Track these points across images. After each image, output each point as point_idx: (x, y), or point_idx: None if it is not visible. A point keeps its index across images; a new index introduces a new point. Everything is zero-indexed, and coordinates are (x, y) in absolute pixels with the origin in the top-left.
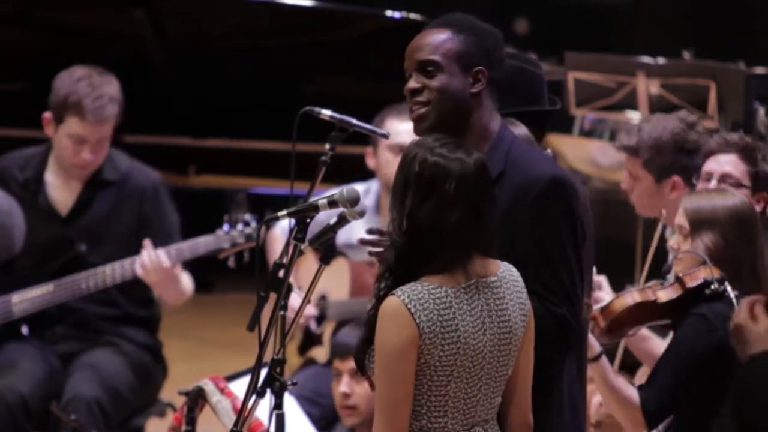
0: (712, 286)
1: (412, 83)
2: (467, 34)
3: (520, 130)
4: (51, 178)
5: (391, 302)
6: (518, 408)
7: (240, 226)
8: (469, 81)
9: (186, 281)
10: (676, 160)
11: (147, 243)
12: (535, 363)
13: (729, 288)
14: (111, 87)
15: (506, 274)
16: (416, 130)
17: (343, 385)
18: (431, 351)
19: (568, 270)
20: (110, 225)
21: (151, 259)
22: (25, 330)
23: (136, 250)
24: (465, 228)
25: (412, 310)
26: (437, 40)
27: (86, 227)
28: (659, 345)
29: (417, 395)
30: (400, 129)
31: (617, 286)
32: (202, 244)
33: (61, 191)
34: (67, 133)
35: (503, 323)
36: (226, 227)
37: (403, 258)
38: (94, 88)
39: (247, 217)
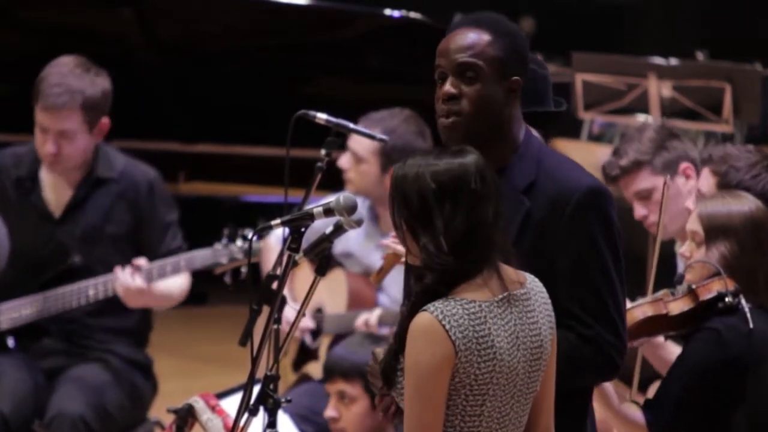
0: (726, 300)
1: (450, 87)
2: (505, 38)
3: (532, 132)
4: (45, 176)
5: (424, 319)
6: (543, 425)
7: (239, 241)
8: (504, 91)
9: (175, 286)
10: (676, 148)
11: (117, 269)
12: (574, 390)
13: (743, 301)
14: (80, 80)
15: (534, 285)
16: (444, 138)
17: (330, 409)
18: (467, 369)
19: (609, 285)
20: (105, 226)
21: (124, 284)
22: (11, 342)
23: (133, 251)
24: (497, 225)
25: (447, 327)
26: (480, 42)
27: (80, 230)
28: (675, 352)
29: (450, 416)
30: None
31: (629, 297)
32: (199, 258)
33: (54, 190)
34: (36, 121)
35: (535, 337)
36: (224, 241)
37: (448, 276)
38: (60, 77)
39: (247, 231)
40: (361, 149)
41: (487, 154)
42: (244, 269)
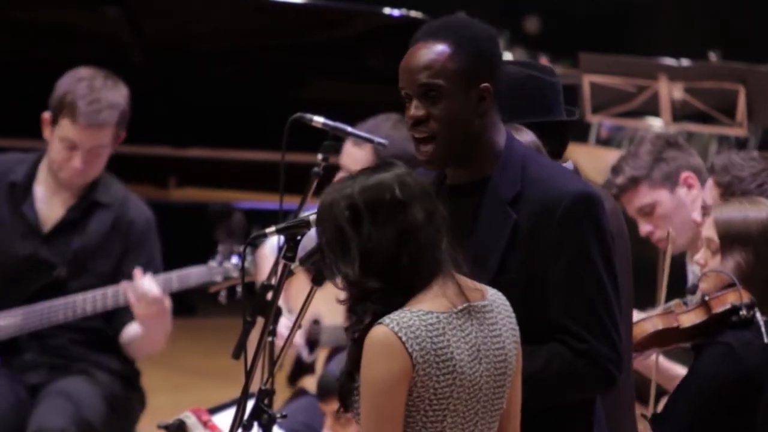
0: (741, 313)
1: (415, 111)
2: (468, 45)
3: (527, 137)
4: (40, 189)
5: (380, 332)
6: None
7: (234, 259)
8: (474, 100)
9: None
10: (675, 158)
11: (137, 271)
12: (570, 404)
13: (759, 314)
14: (114, 93)
15: (496, 297)
16: (424, 168)
17: (326, 430)
18: (425, 383)
19: (602, 296)
20: (94, 252)
21: (141, 289)
22: None
23: (116, 282)
24: (433, 227)
25: (404, 339)
26: (438, 58)
27: (71, 250)
28: (674, 368)
29: None
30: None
31: (639, 308)
32: (194, 275)
33: (48, 206)
34: (59, 136)
35: (498, 351)
36: (219, 259)
37: (391, 295)
38: (92, 91)
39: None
40: (352, 164)
41: (468, 167)
42: (239, 288)
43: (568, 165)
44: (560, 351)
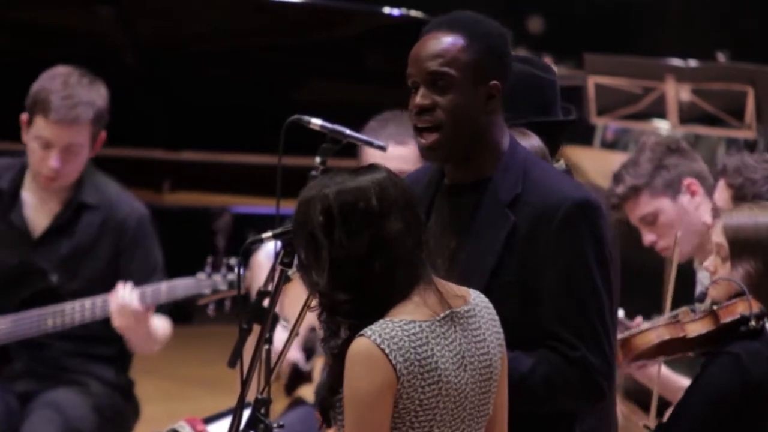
0: (750, 323)
1: (422, 99)
2: (480, 40)
3: (533, 141)
4: (27, 195)
5: (361, 344)
6: None
7: (223, 271)
8: (482, 97)
9: (160, 327)
10: (676, 165)
11: (120, 284)
12: (558, 415)
13: None
14: (89, 91)
15: (479, 301)
16: (425, 158)
17: None
18: (410, 394)
19: (597, 305)
20: (84, 256)
21: (121, 301)
22: None
23: (112, 286)
24: (410, 238)
25: (386, 351)
26: (451, 48)
27: (61, 255)
28: (677, 379)
29: None
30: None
31: (645, 316)
32: (181, 287)
33: (36, 210)
34: (34, 135)
35: (483, 356)
36: (208, 271)
37: (353, 310)
38: (66, 87)
39: (232, 261)
40: (400, 165)
41: (468, 166)
42: (228, 302)
43: (560, 165)
44: (551, 358)
